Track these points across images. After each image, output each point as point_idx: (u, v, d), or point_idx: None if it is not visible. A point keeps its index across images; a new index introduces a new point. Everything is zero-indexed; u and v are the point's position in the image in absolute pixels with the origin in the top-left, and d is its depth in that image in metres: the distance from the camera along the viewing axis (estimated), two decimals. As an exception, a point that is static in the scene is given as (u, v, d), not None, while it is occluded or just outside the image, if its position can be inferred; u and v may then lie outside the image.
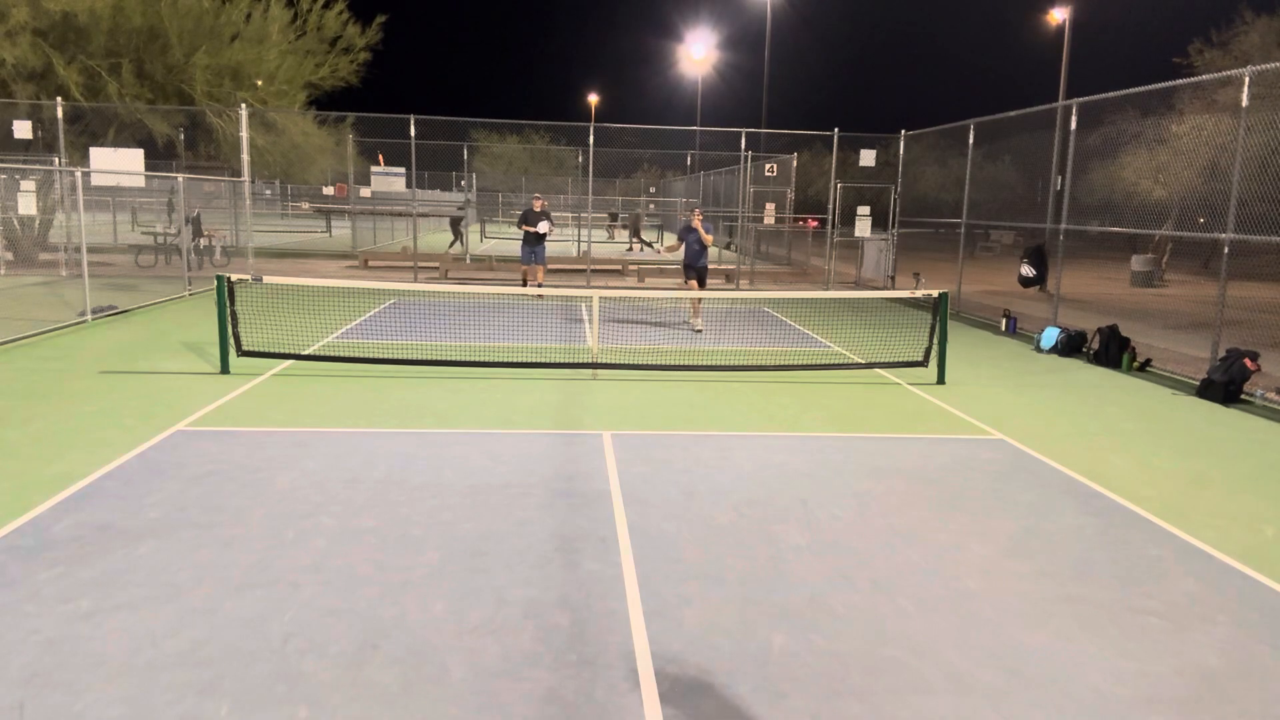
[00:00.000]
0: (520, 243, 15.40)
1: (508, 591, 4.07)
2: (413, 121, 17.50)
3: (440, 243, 29.39)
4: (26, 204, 14.82)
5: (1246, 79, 8.92)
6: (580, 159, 21.07)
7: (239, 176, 17.35)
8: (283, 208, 49.60)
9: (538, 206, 15.06)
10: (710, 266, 21.27)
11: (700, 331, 12.07)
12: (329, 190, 26.37)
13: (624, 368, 9.21)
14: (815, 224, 20.99)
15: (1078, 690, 3.39)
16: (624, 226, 30.14)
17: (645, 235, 31.00)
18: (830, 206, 19.49)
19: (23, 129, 16.98)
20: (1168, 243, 20.06)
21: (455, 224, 27.86)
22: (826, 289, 18.38)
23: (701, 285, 12.16)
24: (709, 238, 11.88)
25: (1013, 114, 13.94)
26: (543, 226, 14.92)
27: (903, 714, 3.20)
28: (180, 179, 14.99)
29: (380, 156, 22.50)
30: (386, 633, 3.66)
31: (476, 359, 9.26)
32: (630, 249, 28.04)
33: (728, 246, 27.97)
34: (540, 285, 15.53)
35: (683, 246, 12.07)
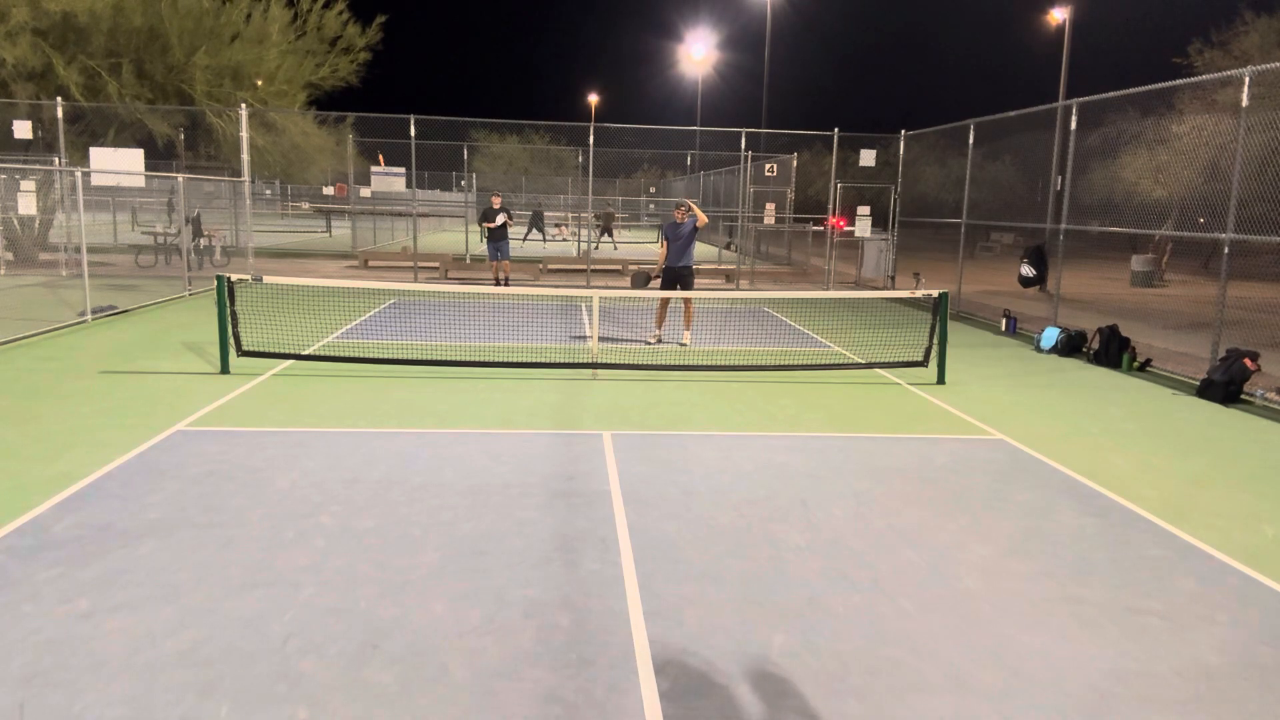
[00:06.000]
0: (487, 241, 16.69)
1: (508, 591, 4.07)
2: (413, 121, 17.50)
3: (439, 243, 29.43)
4: (26, 204, 14.82)
5: (1246, 79, 8.91)
6: (580, 159, 21.07)
7: (239, 176, 17.35)
8: (283, 208, 49.62)
9: (496, 204, 16.16)
10: (710, 267, 21.47)
11: (684, 344, 10.90)
12: (329, 190, 26.40)
13: (624, 368, 9.21)
14: (843, 224, 20.15)
15: (1078, 690, 3.39)
16: (600, 228, 30.87)
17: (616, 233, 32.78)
18: (830, 207, 19.50)
19: (23, 129, 16.97)
20: (1168, 243, 20.06)
21: (537, 219, 31.45)
22: (826, 289, 18.38)
23: (686, 287, 10.87)
24: (703, 216, 10.54)
25: (1013, 114, 13.94)
26: (499, 219, 16.12)
27: (903, 714, 3.20)
28: (180, 179, 14.98)
29: (380, 156, 22.51)
30: (386, 633, 3.66)
31: (476, 359, 9.26)
32: (597, 246, 28.86)
33: (728, 246, 27.97)
34: (506, 280, 16.58)
35: (667, 247, 10.81)
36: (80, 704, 3.11)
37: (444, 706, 3.17)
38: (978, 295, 16.19)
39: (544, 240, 30.88)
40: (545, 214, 34.08)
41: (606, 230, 30.79)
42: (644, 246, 32.52)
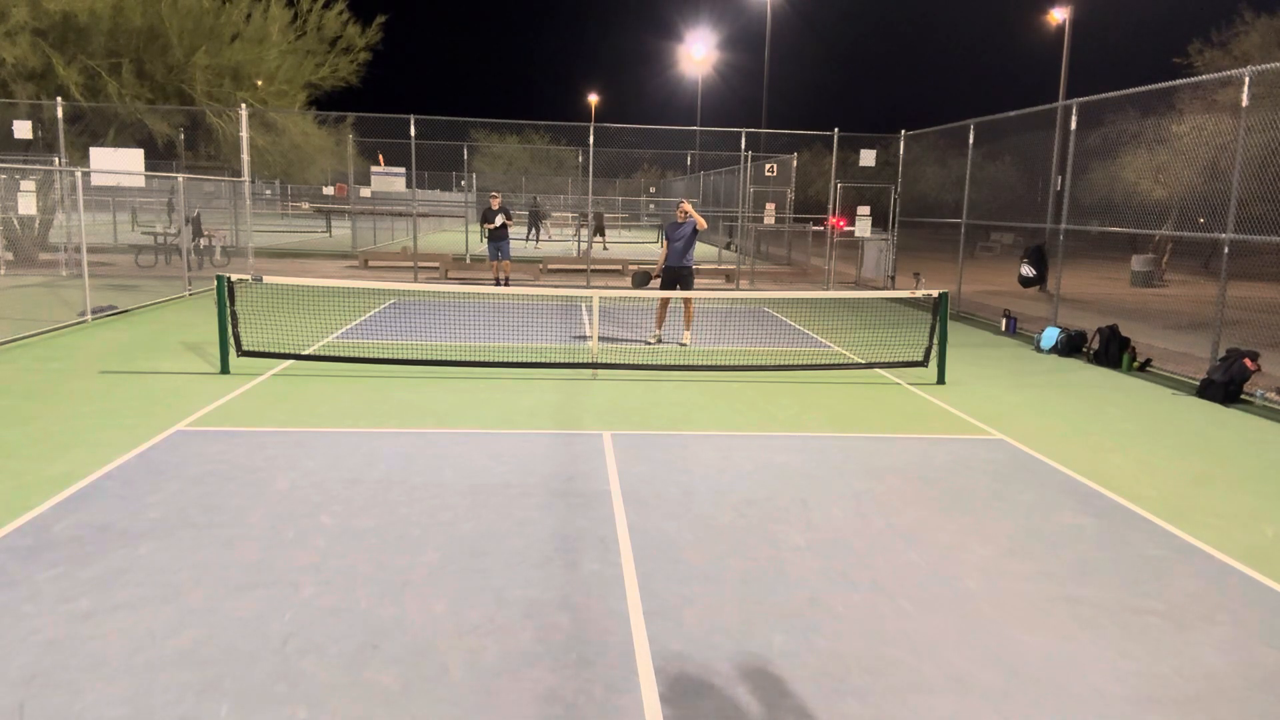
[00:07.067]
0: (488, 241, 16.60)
1: (508, 591, 4.07)
2: (413, 121, 17.50)
3: (439, 243, 29.42)
4: (26, 204, 14.82)
5: (1246, 79, 8.91)
6: (580, 159, 21.07)
7: (239, 176, 17.36)
8: (283, 208, 49.59)
9: (495, 204, 16.03)
10: (710, 267, 21.46)
11: (685, 344, 10.94)
12: (329, 190, 26.39)
13: (624, 368, 9.21)
14: (843, 224, 20.43)
15: (1078, 690, 3.39)
16: (596, 229, 30.86)
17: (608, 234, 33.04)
18: (830, 207, 19.50)
19: (23, 129, 16.98)
20: (1168, 243, 20.06)
21: (535, 218, 31.38)
22: (826, 289, 18.38)
23: (686, 287, 10.89)
24: (702, 221, 10.59)
25: (1013, 114, 13.94)
26: (499, 219, 15.99)
27: (903, 714, 3.20)
28: (180, 179, 14.98)
29: (380, 156, 22.51)
30: (386, 633, 3.66)
31: (476, 359, 9.26)
32: (591, 247, 28.95)
33: (728, 246, 27.96)
34: (507, 280, 16.53)
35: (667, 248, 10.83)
36: (80, 704, 3.11)
37: (444, 706, 3.17)
38: (978, 295, 16.19)
39: (537, 242, 30.77)
40: (540, 214, 34.02)
41: (598, 230, 30.81)
42: (643, 247, 32.51)
